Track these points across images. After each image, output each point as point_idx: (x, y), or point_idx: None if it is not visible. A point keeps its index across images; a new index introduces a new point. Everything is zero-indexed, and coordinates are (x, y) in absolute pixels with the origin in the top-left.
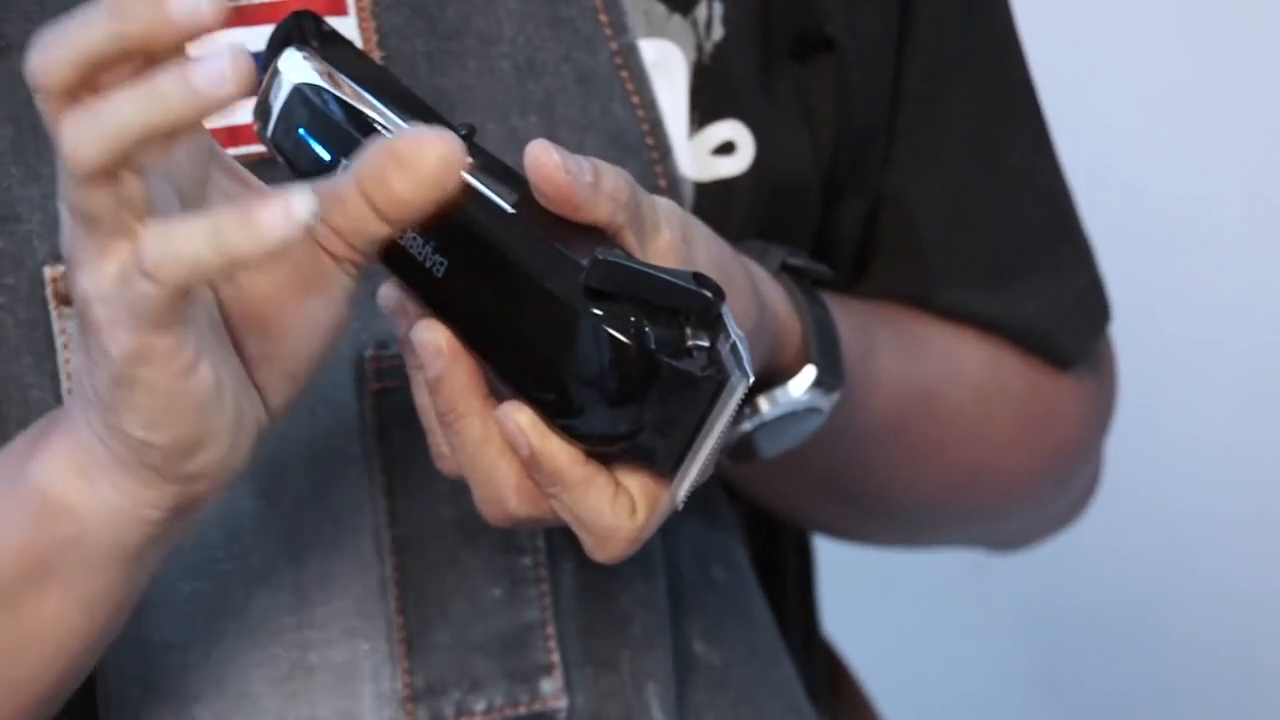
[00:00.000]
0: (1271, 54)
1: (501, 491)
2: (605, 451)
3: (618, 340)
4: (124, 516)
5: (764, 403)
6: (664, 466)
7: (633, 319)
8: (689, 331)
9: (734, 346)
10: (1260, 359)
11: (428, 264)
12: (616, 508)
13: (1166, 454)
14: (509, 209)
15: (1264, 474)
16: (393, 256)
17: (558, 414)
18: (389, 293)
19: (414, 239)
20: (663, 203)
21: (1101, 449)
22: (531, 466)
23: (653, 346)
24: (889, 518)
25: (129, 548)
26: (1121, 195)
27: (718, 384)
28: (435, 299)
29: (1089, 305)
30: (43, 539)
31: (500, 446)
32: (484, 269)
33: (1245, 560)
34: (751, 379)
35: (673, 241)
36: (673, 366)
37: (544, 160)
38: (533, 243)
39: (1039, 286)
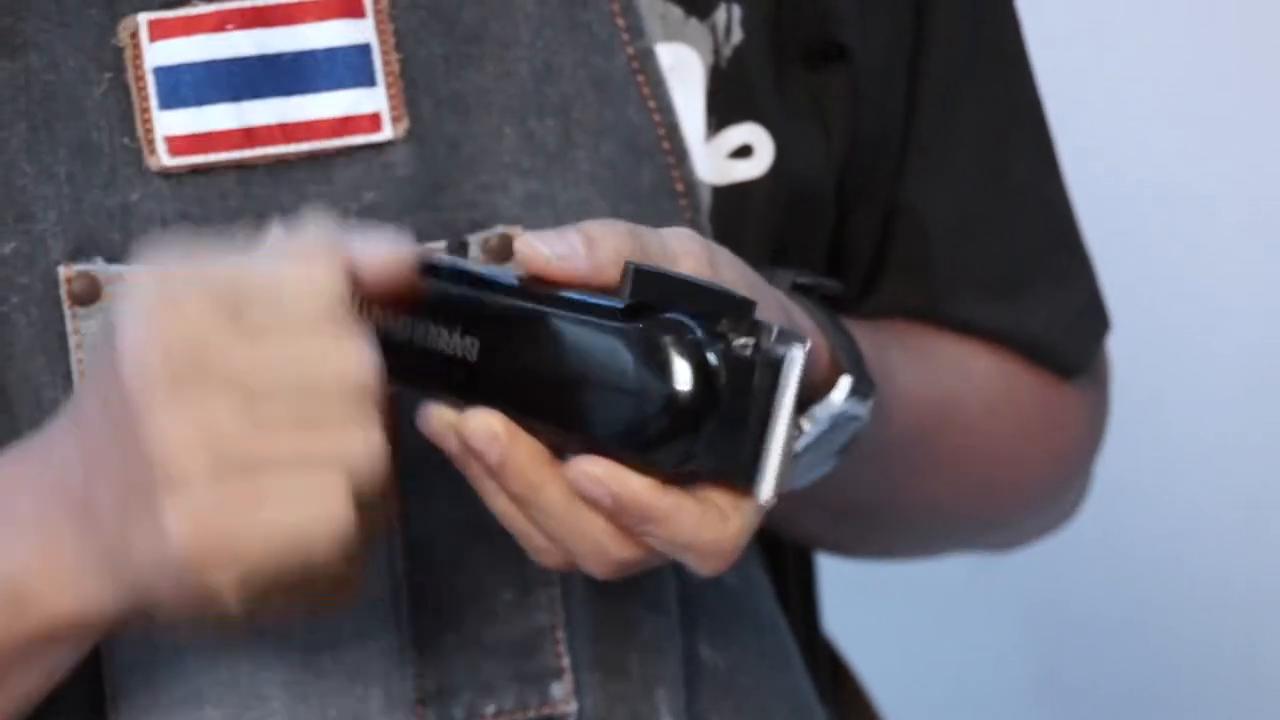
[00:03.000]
0: (1272, 54)
1: (601, 543)
2: (681, 470)
3: (670, 346)
4: (104, 615)
5: (805, 423)
6: (743, 466)
7: (681, 322)
8: (732, 335)
9: (780, 333)
10: (1261, 359)
11: (459, 353)
12: (708, 521)
13: (1167, 454)
14: (515, 282)
15: (1265, 474)
16: (416, 370)
17: (626, 448)
18: (429, 425)
19: (439, 333)
20: (676, 232)
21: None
22: (618, 513)
23: (706, 347)
24: (900, 532)
25: (104, 633)
26: (1123, 194)
27: (777, 360)
28: (474, 385)
29: (1091, 316)
30: (11, 633)
31: (594, 523)
32: (518, 330)
33: (1246, 561)
34: (809, 344)
35: (698, 267)
36: (731, 358)
37: (533, 255)
38: (554, 294)
39: (1044, 298)
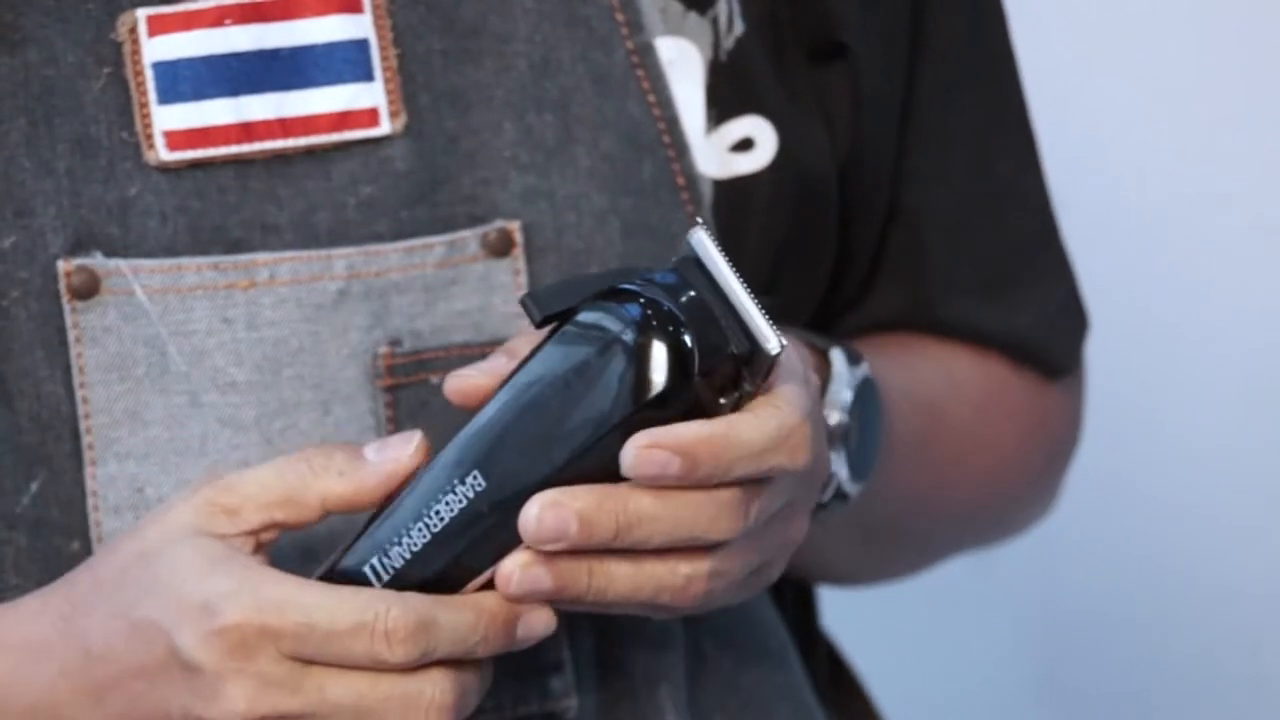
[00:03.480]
0: (1272, 54)
1: (716, 506)
2: (705, 399)
3: (618, 309)
4: None
5: (832, 414)
6: (740, 345)
7: (606, 297)
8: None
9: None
10: (1262, 359)
11: (471, 494)
12: (765, 416)
13: (1167, 455)
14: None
15: (1266, 475)
16: (454, 556)
17: (664, 411)
18: (513, 588)
19: (445, 502)
20: None
21: None
22: (691, 468)
23: (631, 286)
24: (917, 545)
25: None
26: (1123, 195)
27: (691, 254)
28: (500, 504)
29: (1073, 313)
30: None
31: (686, 492)
32: (504, 425)
33: (1246, 562)
34: (700, 222)
35: None
36: (660, 284)
37: (464, 383)
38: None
39: (1029, 297)
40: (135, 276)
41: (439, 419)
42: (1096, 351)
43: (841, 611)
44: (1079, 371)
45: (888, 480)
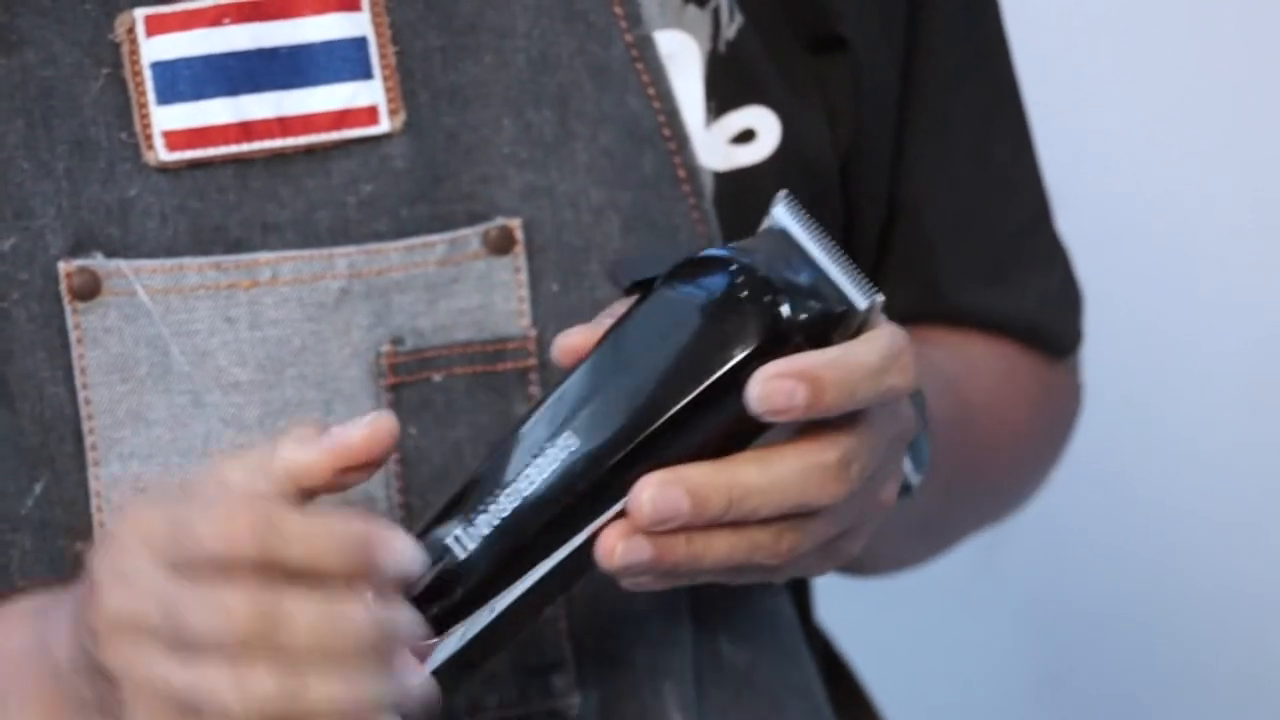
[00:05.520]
0: (1270, 51)
1: (826, 472)
2: (809, 325)
3: (705, 266)
4: None
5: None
6: (830, 304)
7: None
8: None
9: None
10: (1262, 358)
11: (563, 455)
12: (878, 338)
13: (1169, 453)
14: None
15: (1267, 474)
16: (542, 519)
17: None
18: (615, 560)
19: (540, 463)
20: None
21: None
22: (833, 392)
23: (721, 253)
24: (948, 532)
25: None
26: (1124, 194)
27: (776, 225)
28: (599, 473)
29: (1070, 291)
30: None
31: (790, 459)
32: (580, 407)
33: (1247, 561)
34: (782, 191)
35: None
36: (741, 249)
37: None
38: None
39: (1031, 279)
40: (136, 277)
41: (442, 417)
42: (1095, 349)
43: (841, 609)
44: (1078, 346)
45: (930, 467)
